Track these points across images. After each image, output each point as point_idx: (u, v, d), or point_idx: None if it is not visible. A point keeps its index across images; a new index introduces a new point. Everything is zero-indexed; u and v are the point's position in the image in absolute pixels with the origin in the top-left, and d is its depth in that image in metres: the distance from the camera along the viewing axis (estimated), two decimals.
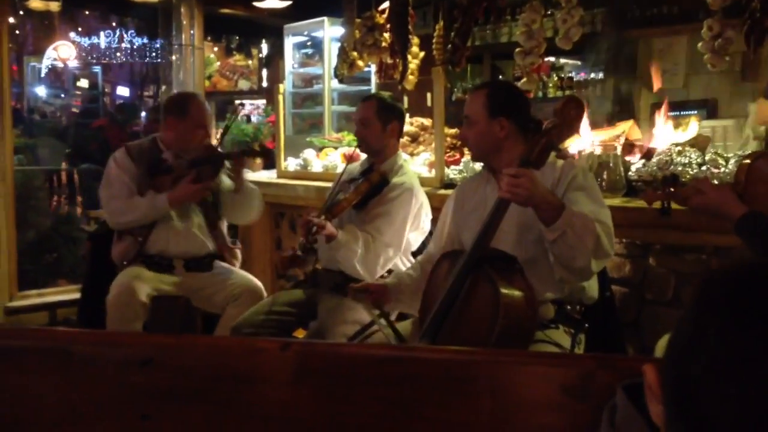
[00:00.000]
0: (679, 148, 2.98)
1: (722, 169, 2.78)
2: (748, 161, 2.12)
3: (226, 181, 3.31)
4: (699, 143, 3.10)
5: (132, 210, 3.14)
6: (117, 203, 3.17)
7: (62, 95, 9.98)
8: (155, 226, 3.20)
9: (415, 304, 2.36)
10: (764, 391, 0.59)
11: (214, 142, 3.45)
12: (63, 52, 8.58)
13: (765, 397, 0.59)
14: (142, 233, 3.19)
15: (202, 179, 3.14)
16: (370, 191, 2.83)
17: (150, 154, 3.26)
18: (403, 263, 2.91)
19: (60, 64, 8.88)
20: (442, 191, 3.35)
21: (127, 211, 3.15)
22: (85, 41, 8.42)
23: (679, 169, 2.83)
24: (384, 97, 3.08)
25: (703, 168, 2.84)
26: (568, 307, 2.21)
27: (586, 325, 2.25)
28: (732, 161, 2.82)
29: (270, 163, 5.03)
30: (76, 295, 4.21)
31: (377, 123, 2.95)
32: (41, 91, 9.63)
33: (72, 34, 8.60)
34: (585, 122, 3.21)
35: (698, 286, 0.70)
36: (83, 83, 9.91)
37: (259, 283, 3.29)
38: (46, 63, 8.86)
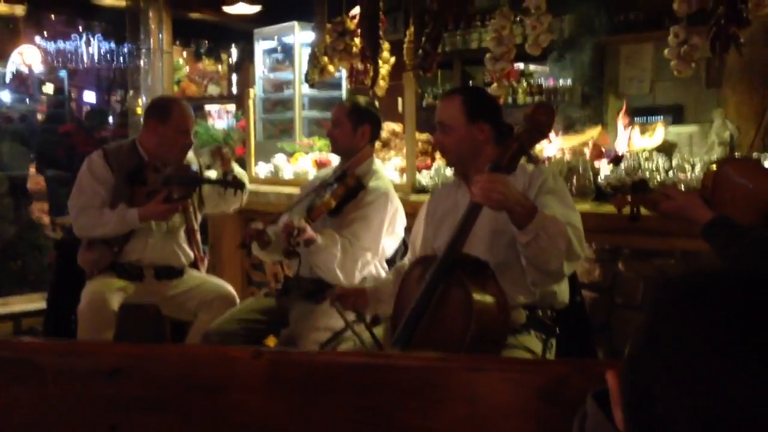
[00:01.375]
0: (647, 153, 3.02)
1: (689, 174, 2.82)
2: (714, 167, 2.16)
3: (211, 174, 3.28)
4: (665, 149, 3.15)
5: (102, 224, 3.02)
6: (86, 216, 3.05)
7: (27, 100, 9.81)
8: (132, 237, 3.10)
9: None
10: (715, 398, 0.60)
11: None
12: (28, 56, 8.43)
13: (715, 405, 0.60)
14: (118, 243, 3.09)
15: (173, 199, 3.04)
16: (346, 195, 2.83)
17: (129, 161, 3.14)
18: (378, 270, 2.90)
19: (25, 69, 8.72)
20: (414, 197, 3.35)
21: (97, 225, 3.04)
22: (51, 46, 8.29)
23: (647, 174, 2.87)
24: (359, 101, 3.08)
25: (670, 173, 2.88)
26: (540, 312, 2.22)
27: (558, 330, 2.26)
28: (698, 166, 2.87)
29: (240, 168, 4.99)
30: (42, 305, 4.13)
31: (348, 124, 2.95)
32: (5, 96, 9.45)
33: (37, 39, 8.45)
34: (554, 128, 3.23)
35: (654, 292, 0.71)
36: (49, 88, 9.74)
37: (231, 289, 3.26)
38: (10, 68, 8.70)
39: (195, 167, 3.26)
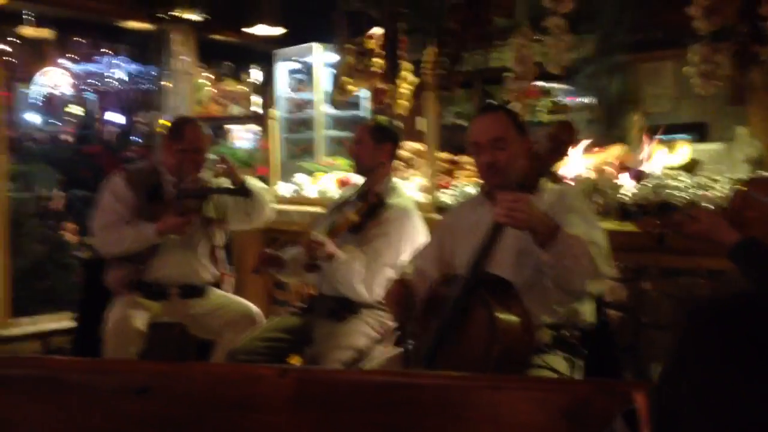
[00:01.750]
0: (671, 171, 3.00)
1: (714, 193, 2.80)
2: (740, 187, 2.15)
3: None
4: (689, 167, 3.13)
5: (121, 240, 3.11)
6: (107, 234, 3.14)
7: (54, 122, 9.97)
8: (156, 254, 3.18)
9: None
10: (742, 421, 0.60)
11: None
12: (55, 78, 8.59)
13: (742, 428, 0.60)
14: (143, 260, 3.16)
15: (185, 212, 3.13)
16: (367, 212, 2.87)
17: (149, 180, 3.25)
18: None
19: (52, 91, 8.89)
20: (435, 215, 3.36)
21: (117, 242, 3.12)
22: (78, 68, 8.43)
23: (671, 192, 2.85)
24: (380, 120, 3.19)
25: (695, 191, 2.86)
26: (565, 332, 2.21)
27: (583, 350, 2.25)
28: (723, 184, 2.84)
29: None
30: (70, 323, 4.17)
31: (370, 141, 3.02)
32: (33, 117, 9.62)
33: (64, 61, 8.61)
34: (576, 146, 3.23)
35: (681, 317, 0.71)
36: (75, 110, 9.90)
37: (255, 308, 3.29)
38: (37, 90, 8.86)
39: (213, 183, 3.34)
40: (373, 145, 3.00)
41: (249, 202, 3.28)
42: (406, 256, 2.87)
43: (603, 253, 2.06)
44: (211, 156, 3.45)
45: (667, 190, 2.87)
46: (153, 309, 3.15)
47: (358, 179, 3.25)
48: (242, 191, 3.24)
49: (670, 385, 0.67)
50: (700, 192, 2.83)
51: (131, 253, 3.15)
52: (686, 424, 0.63)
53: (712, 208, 2.66)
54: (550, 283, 2.05)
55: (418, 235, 2.94)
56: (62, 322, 4.94)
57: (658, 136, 3.45)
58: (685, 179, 2.93)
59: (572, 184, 3.16)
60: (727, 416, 0.61)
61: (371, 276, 2.79)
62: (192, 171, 3.23)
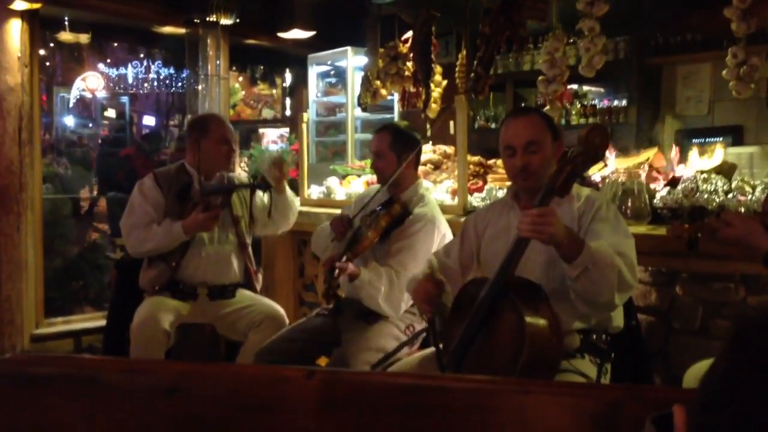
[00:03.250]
0: (705, 175, 2.96)
1: (749, 197, 2.75)
2: None
3: (258, 195, 3.40)
4: (725, 170, 3.08)
5: (150, 239, 3.16)
6: (137, 233, 3.19)
7: (90, 125, 10.15)
8: (188, 251, 3.23)
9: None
10: None
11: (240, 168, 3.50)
12: (91, 82, 8.76)
13: None
14: (175, 258, 3.21)
15: (211, 208, 3.15)
16: (391, 224, 2.81)
17: (178, 181, 3.30)
18: None
19: (88, 95, 9.05)
20: (465, 219, 3.34)
21: (146, 241, 3.17)
22: (113, 72, 8.59)
23: (705, 196, 2.80)
24: (398, 126, 3.09)
25: (730, 196, 2.81)
26: (594, 337, 2.18)
27: (612, 354, 2.22)
28: (759, 188, 2.79)
29: (293, 190, 5.06)
30: (102, 323, 4.24)
31: (392, 155, 2.94)
32: (70, 121, 9.80)
33: (100, 65, 8.77)
34: (609, 150, 3.19)
35: (733, 333, 0.69)
36: (111, 113, 10.08)
37: (281, 310, 3.30)
38: (74, 93, 9.03)
39: (236, 179, 3.41)
40: (396, 159, 2.92)
41: (274, 205, 3.31)
42: None
43: (630, 264, 2.03)
44: (253, 154, 3.49)
45: (701, 194, 2.82)
46: (181, 309, 3.18)
47: None
48: (262, 186, 3.28)
49: (717, 407, 0.64)
50: (736, 197, 2.78)
51: (162, 252, 3.20)
52: None
53: (743, 212, 2.61)
54: (574, 297, 2.03)
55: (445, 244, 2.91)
56: (94, 321, 5.03)
57: (691, 140, 3.39)
58: (719, 183, 2.88)
59: (601, 187, 3.11)
60: None
61: (396, 293, 2.74)
62: (222, 162, 3.29)
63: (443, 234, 2.90)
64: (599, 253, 1.95)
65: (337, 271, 2.61)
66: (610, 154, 3.41)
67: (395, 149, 2.94)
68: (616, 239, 2.08)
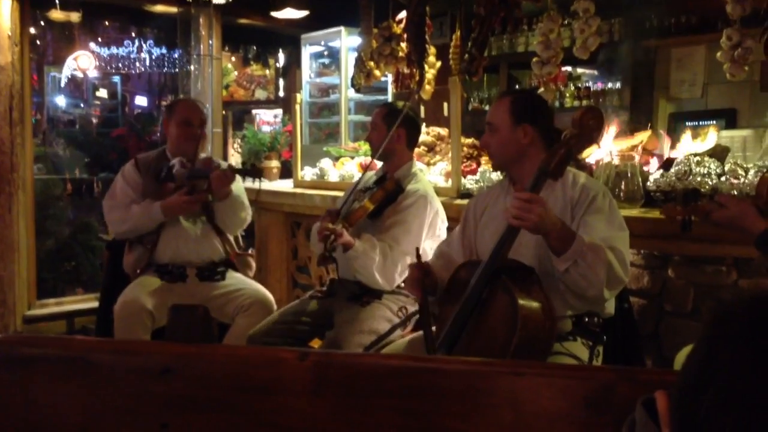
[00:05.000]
0: (698, 158, 2.96)
1: (742, 180, 2.75)
2: (766, 174, 2.11)
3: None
4: (718, 153, 3.08)
5: (129, 219, 3.22)
6: (116, 212, 3.26)
7: (82, 105, 10.07)
8: (163, 233, 3.25)
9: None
10: None
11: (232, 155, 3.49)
12: (83, 62, 8.67)
13: None
14: (151, 240, 3.25)
15: (194, 192, 3.19)
16: (385, 199, 2.85)
17: (157, 163, 3.33)
18: None
19: (80, 74, 8.97)
20: (459, 201, 3.34)
21: (124, 220, 3.23)
22: (105, 51, 8.49)
23: (698, 179, 2.81)
24: (396, 105, 3.14)
25: (722, 179, 2.81)
26: (586, 320, 2.19)
27: (605, 337, 2.23)
28: (752, 172, 2.79)
29: (287, 172, 5.05)
30: (94, 304, 4.24)
31: (383, 126, 3.01)
32: (61, 100, 9.73)
33: (92, 45, 8.68)
34: (604, 132, 3.18)
35: (711, 316, 0.69)
36: (102, 93, 10.00)
37: (269, 295, 3.31)
38: (66, 73, 8.95)
39: (224, 165, 3.39)
40: (386, 130, 2.97)
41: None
42: (425, 242, 2.86)
43: (622, 259, 2.04)
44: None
45: (694, 177, 2.82)
46: (168, 291, 3.18)
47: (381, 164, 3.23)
48: (252, 172, 3.30)
49: (696, 389, 0.65)
50: (729, 180, 2.78)
51: (141, 234, 3.25)
52: (713, 429, 0.62)
53: (736, 195, 2.61)
54: (564, 289, 2.03)
55: (438, 221, 2.92)
56: (87, 302, 5.02)
57: (685, 122, 3.39)
58: (712, 166, 2.88)
59: (595, 169, 3.11)
60: (760, 424, 0.59)
61: (389, 265, 2.76)
62: (187, 145, 3.29)
63: (436, 210, 2.91)
64: (590, 248, 1.95)
65: (333, 236, 2.63)
66: (606, 137, 3.40)
67: (387, 122, 3.00)
68: (610, 233, 2.08)
